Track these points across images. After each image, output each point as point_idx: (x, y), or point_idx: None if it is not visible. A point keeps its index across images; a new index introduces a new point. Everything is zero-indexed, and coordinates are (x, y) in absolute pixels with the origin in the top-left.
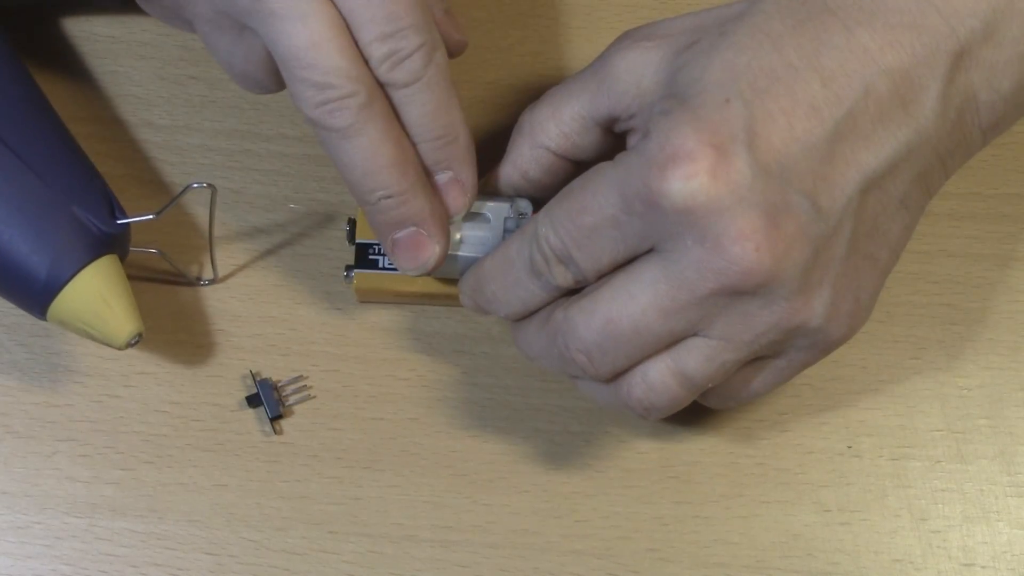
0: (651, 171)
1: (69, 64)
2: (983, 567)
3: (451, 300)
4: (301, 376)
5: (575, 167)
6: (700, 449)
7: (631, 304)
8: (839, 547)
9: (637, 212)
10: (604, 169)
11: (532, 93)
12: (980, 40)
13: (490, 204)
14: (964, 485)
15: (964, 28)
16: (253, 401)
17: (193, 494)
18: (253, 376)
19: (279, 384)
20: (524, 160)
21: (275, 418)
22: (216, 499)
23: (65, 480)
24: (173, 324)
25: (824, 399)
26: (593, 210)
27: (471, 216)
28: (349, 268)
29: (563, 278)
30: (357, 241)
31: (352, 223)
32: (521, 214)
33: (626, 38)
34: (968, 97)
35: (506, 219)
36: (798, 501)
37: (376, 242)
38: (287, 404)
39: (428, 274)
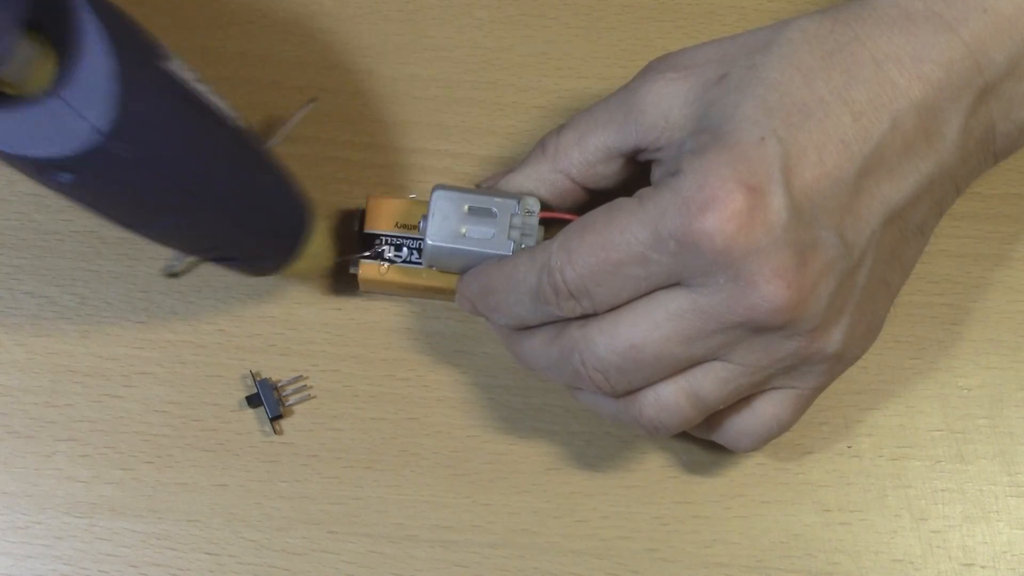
0: (689, 211)
1: None
2: (983, 567)
3: (453, 295)
4: (301, 376)
5: (587, 195)
6: (700, 449)
7: (655, 332)
8: (839, 547)
9: (669, 251)
10: (629, 206)
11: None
12: (1004, 75)
13: (497, 200)
14: (964, 485)
15: (990, 63)
16: (253, 401)
17: (193, 494)
18: (253, 376)
19: (279, 384)
20: (541, 180)
21: (275, 418)
22: (216, 499)
23: (65, 480)
24: (174, 324)
25: (824, 399)
26: (620, 247)
27: (477, 211)
28: (355, 257)
29: (570, 311)
30: (365, 231)
31: (361, 213)
32: (528, 212)
33: (651, 69)
34: (987, 128)
35: (512, 216)
36: (798, 501)
37: (382, 233)
38: (287, 404)
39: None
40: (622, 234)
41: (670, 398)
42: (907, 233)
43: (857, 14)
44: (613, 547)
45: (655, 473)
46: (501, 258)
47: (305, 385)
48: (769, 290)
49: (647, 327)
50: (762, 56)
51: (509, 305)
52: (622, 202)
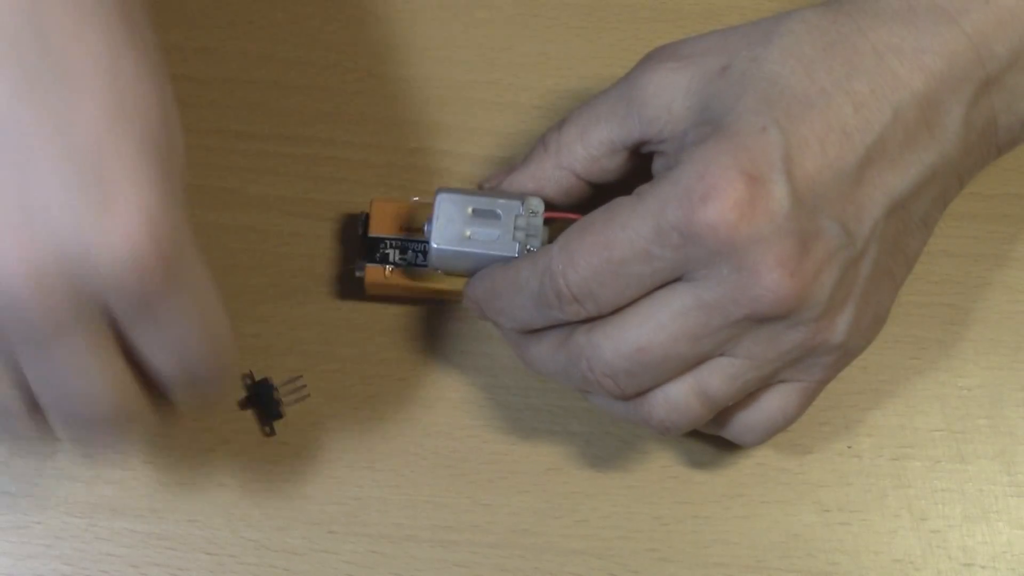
0: (691, 202)
1: None
2: (983, 567)
3: (459, 297)
4: (299, 376)
5: (592, 190)
6: (700, 449)
7: (661, 333)
8: (839, 547)
9: (672, 244)
10: (629, 203)
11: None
12: (1006, 67)
13: (501, 201)
14: (964, 485)
15: (992, 55)
16: (252, 401)
17: (193, 494)
18: (252, 376)
19: (277, 384)
20: (546, 178)
21: (274, 418)
22: (216, 499)
23: (65, 480)
24: None
25: (824, 399)
26: (622, 244)
27: (481, 213)
28: (360, 261)
29: (573, 315)
30: (369, 235)
31: (365, 217)
32: (532, 212)
33: (651, 59)
34: (989, 120)
35: (516, 217)
36: (798, 501)
37: (388, 236)
38: (286, 404)
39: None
40: (623, 231)
41: (680, 398)
42: (910, 224)
43: (859, 6)
44: (613, 547)
45: (655, 473)
46: (507, 260)
47: (304, 385)
48: (772, 279)
49: (652, 328)
50: (763, 48)
51: (514, 310)
52: (621, 200)
